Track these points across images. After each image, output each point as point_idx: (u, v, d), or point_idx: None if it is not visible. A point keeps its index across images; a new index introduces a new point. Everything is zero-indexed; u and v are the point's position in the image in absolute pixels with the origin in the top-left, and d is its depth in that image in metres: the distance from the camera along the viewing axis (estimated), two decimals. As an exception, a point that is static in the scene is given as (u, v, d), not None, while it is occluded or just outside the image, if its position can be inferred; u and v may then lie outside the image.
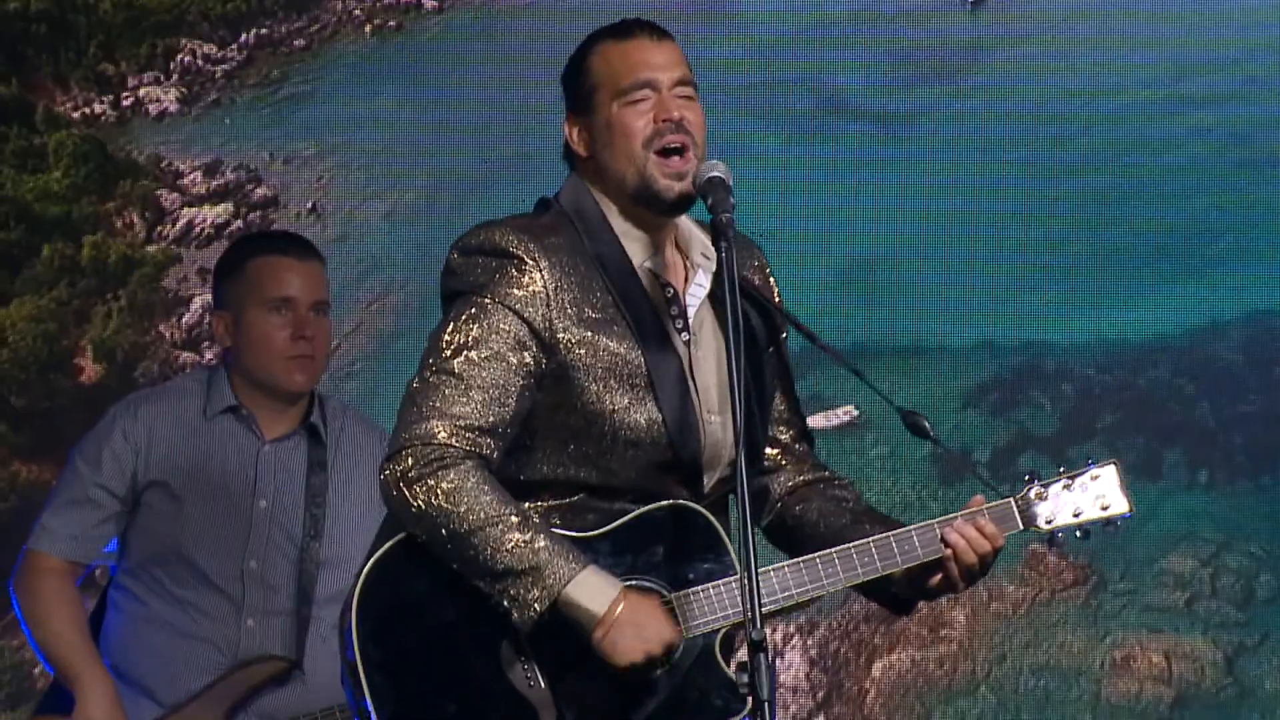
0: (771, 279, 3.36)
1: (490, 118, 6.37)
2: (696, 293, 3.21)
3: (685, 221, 3.25)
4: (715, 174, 3.10)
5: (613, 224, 3.20)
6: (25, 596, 4.21)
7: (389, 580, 3.17)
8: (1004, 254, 6.16)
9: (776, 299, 3.33)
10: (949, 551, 3.14)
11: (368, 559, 3.16)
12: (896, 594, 3.24)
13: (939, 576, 3.17)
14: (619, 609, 3.03)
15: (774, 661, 2.92)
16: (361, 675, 3.11)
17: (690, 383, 3.14)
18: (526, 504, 3.14)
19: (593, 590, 3.04)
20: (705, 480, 3.16)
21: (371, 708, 3.10)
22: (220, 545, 4.15)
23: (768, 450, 3.30)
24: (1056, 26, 6.14)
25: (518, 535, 3.04)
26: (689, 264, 3.20)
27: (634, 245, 3.19)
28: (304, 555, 4.15)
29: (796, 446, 3.33)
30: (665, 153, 3.13)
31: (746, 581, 2.87)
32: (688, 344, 3.17)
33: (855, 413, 6.13)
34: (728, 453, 3.17)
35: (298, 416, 4.24)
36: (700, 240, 3.24)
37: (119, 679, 4.16)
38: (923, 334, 6.22)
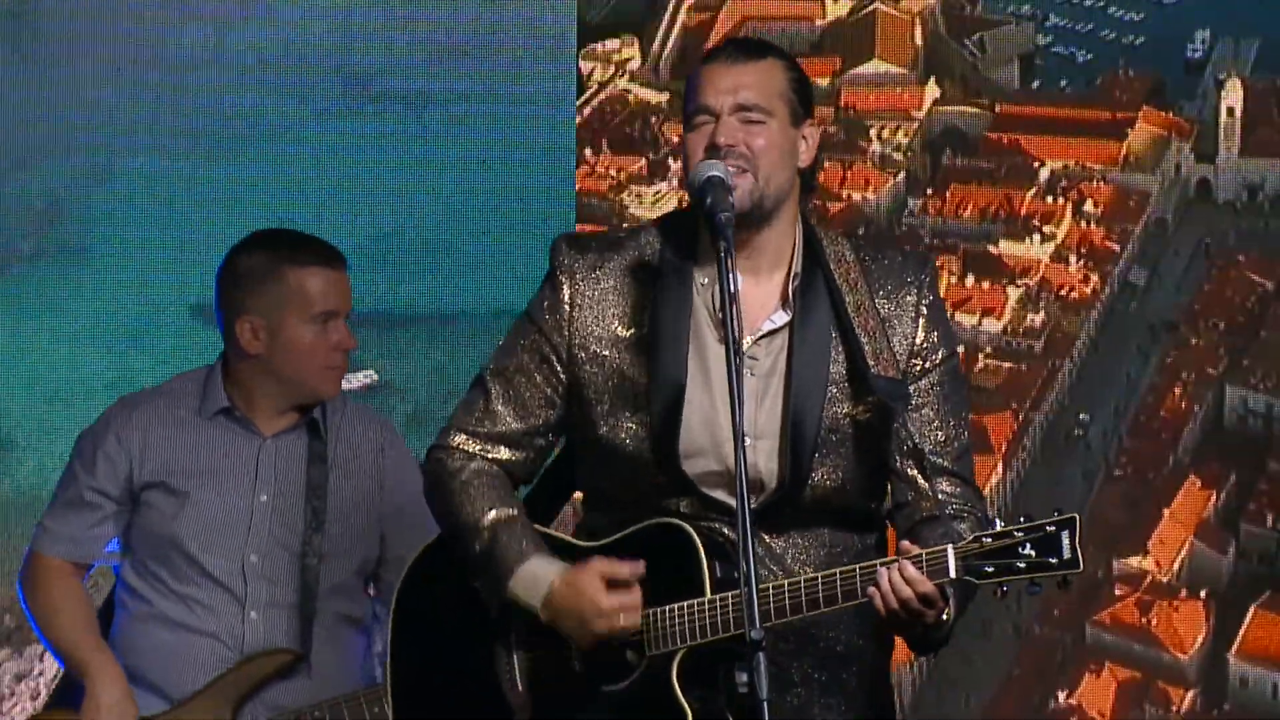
0: (925, 304, 3.26)
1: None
2: (775, 319, 3.20)
3: (795, 237, 3.23)
4: (714, 174, 3.12)
5: (699, 242, 3.23)
6: (31, 596, 4.22)
7: (430, 572, 3.35)
8: (530, 225, 6.76)
9: (918, 325, 3.24)
10: (874, 592, 3.07)
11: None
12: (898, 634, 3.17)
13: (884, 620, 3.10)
14: (555, 600, 3.12)
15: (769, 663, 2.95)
16: (387, 666, 3.34)
17: (737, 406, 3.03)
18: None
19: (529, 583, 3.15)
20: (748, 502, 3.03)
21: (389, 695, 3.33)
22: (221, 540, 4.16)
23: (898, 485, 3.27)
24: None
25: (485, 531, 3.19)
26: (732, 261, 3.12)
27: (710, 267, 3.18)
28: (306, 548, 4.15)
29: (925, 483, 3.25)
30: None
31: (745, 585, 2.91)
32: (739, 368, 3.09)
33: (375, 375, 6.58)
34: (769, 478, 3.18)
35: (297, 412, 4.25)
36: (795, 262, 3.24)
37: (128, 677, 4.16)
38: (445, 302, 6.70)
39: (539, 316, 3.26)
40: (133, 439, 4.18)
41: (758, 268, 3.21)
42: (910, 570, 3.03)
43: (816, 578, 3.08)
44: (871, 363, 3.17)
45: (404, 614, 3.35)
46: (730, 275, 3.02)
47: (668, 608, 3.12)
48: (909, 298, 3.27)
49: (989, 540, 3.06)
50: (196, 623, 4.18)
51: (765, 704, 2.87)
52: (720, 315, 3.10)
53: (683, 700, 3.08)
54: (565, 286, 3.24)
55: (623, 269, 3.23)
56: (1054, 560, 3.06)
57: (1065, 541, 3.05)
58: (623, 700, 3.15)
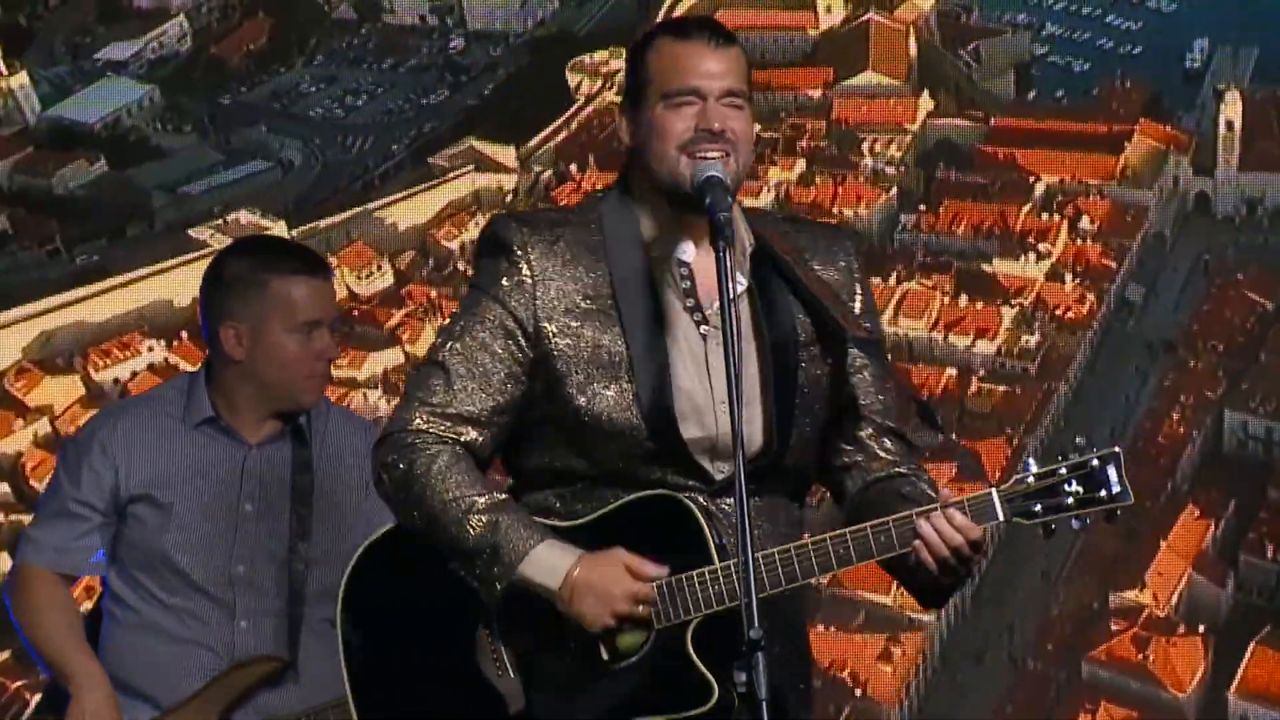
0: (857, 274, 3.32)
1: None
2: (732, 288, 3.14)
3: (738, 215, 3.26)
4: (713, 174, 3.12)
5: (642, 215, 3.25)
6: (19, 605, 4.22)
7: (375, 569, 3.26)
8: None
9: (858, 291, 3.29)
10: (920, 543, 3.07)
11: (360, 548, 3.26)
12: (916, 583, 3.18)
13: (924, 570, 3.10)
14: (575, 576, 3.07)
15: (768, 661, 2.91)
16: (342, 663, 3.23)
17: (706, 374, 3.15)
18: (534, 494, 3.24)
19: (547, 565, 3.08)
20: (718, 469, 3.15)
21: (350, 696, 3.22)
22: (207, 552, 4.15)
23: (843, 446, 3.29)
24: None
25: (480, 517, 3.11)
26: (731, 259, 3.13)
27: (661, 238, 3.22)
28: (292, 555, 4.15)
29: (872, 444, 3.27)
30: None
31: (743, 580, 2.90)
32: (705, 337, 3.16)
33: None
34: (750, 445, 3.15)
35: (280, 420, 4.23)
36: (744, 237, 3.26)
37: (118, 688, 4.15)
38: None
39: (498, 293, 3.21)
40: (118, 451, 4.15)
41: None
42: (960, 518, 3.05)
43: (844, 533, 3.08)
44: (844, 325, 3.21)
45: (356, 613, 3.29)
46: (731, 275, 3.04)
47: (676, 579, 3.08)
48: (842, 264, 3.31)
49: (1032, 480, 3.07)
50: (186, 632, 4.14)
51: (764, 704, 2.85)
52: (684, 286, 3.18)
53: (704, 669, 3.07)
54: (523, 263, 3.20)
55: (573, 244, 3.22)
56: (1103, 494, 3.08)
57: (1112, 474, 3.07)
58: (634, 675, 3.13)
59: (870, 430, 3.27)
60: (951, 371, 37.32)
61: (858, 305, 3.27)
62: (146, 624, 4.16)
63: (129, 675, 4.18)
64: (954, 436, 33.09)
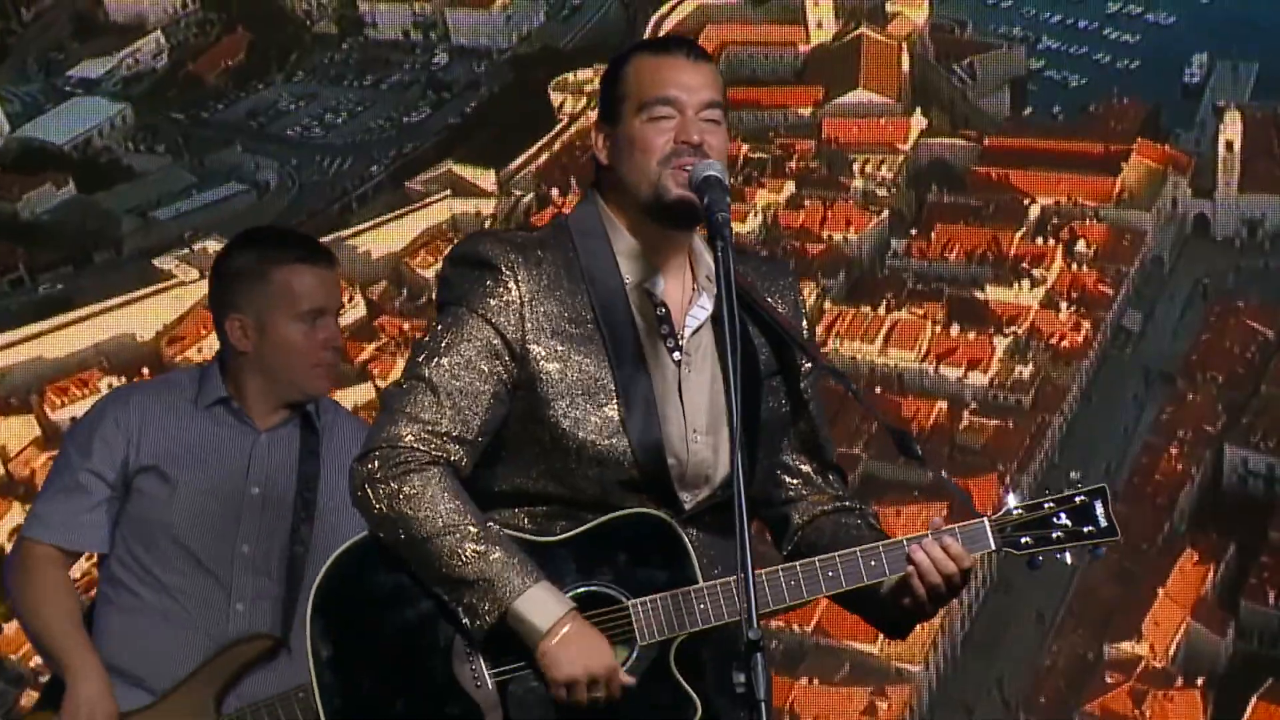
0: (801, 307, 3.37)
1: None
2: (698, 314, 3.24)
3: (699, 244, 3.29)
4: (711, 173, 3.13)
5: (614, 241, 3.27)
6: (18, 586, 4.24)
7: (348, 578, 3.27)
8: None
9: (804, 325, 3.35)
10: (912, 570, 3.11)
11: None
12: (882, 613, 3.21)
13: (909, 597, 3.14)
14: (565, 628, 3.10)
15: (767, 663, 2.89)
16: (311, 672, 3.22)
17: (679, 402, 3.20)
18: (500, 512, 3.25)
19: (541, 607, 3.11)
20: (685, 499, 3.20)
21: (319, 704, 3.22)
22: (212, 529, 4.16)
23: (787, 479, 3.34)
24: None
25: (473, 546, 3.13)
26: (696, 286, 3.22)
27: (633, 264, 3.23)
28: (294, 539, 4.16)
29: (818, 478, 3.33)
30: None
31: (744, 583, 2.91)
32: (679, 364, 3.21)
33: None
34: (717, 474, 3.23)
35: (290, 408, 4.24)
36: (708, 263, 3.24)
37: (112, 672, 4.13)
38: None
39: (485, 311, 3.18)
40: (130, 422, 4.17)
41: (681, 265, 3.25)
42: (955, 545, 3.11)
43: (833, 557, 3.14)
44: (813, 356, 3.29)
45: (327, 622, 3.23)
46: (727, 273, 3.01)
47: (660, 596, 3.13)
48: (790, 296, 3.34)
49: (1021, 511, 3.13)
50: (182, 615, 4.14)
51: (764, 704, 2.83)
52: (659, 313, 3.22)
53: (688, 687, 3.11)
54: (511, 282, 3.19)
55: (554, 265, 3.21)
56: (1090, 529, 3.13)
57: (1099, 510, 3.15)
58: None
59: (817, 464, 3.33)
60: (942, 405, 36.73)
61: (804, 335, 3.34)
62: (143, 607, 4.19)
63: (123, 660, 4.19)
64: (944, 473, 32.02)
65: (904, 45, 46.46)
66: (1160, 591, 31.85)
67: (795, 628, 29.51)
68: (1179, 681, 30.64)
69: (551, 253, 3.24)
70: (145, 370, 38.81)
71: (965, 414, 37.06)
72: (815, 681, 30.77)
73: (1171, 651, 31.32)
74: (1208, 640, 31.98)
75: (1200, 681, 30.63)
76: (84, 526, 4.20)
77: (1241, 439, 35.53)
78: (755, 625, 2.87)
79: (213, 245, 42.20)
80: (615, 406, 3.19)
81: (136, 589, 4.19)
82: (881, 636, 3.45)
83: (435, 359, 3.23)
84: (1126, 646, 31.41)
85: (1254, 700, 29.15)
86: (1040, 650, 32.75)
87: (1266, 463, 35.34)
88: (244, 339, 4.16)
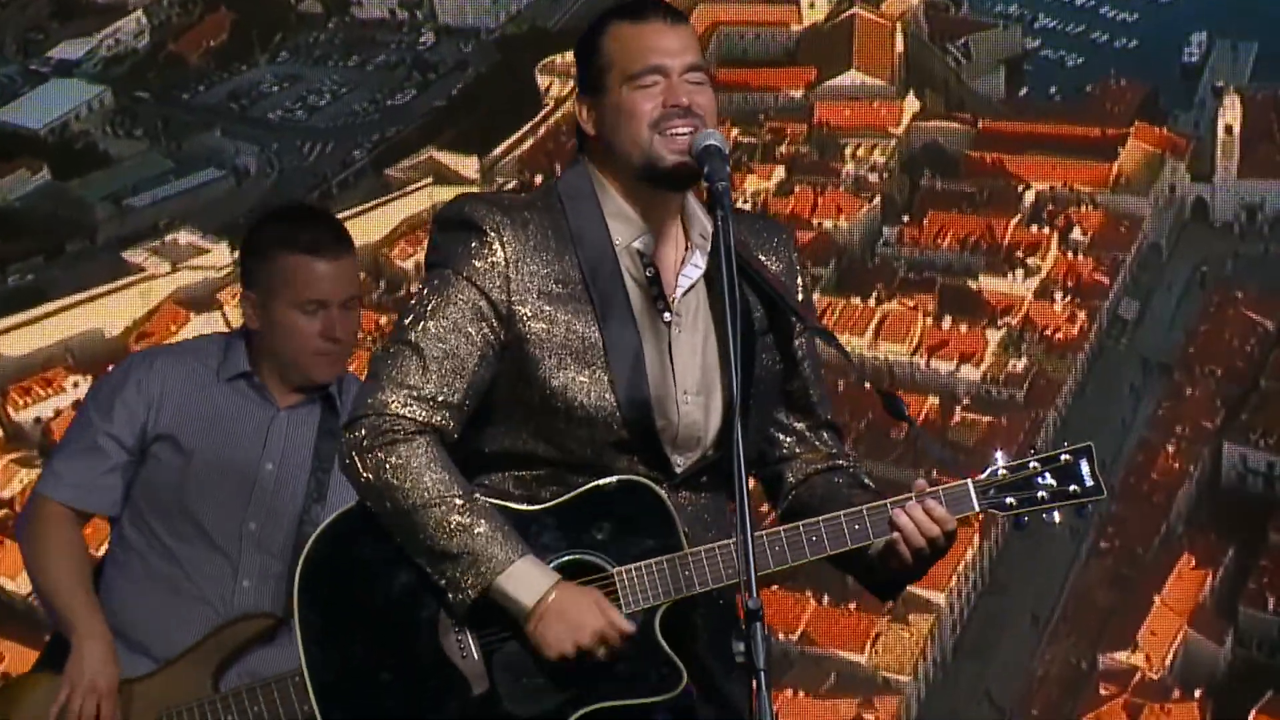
0: (796, 265, 3.48)
1: None
2: (690, 273, 3.33)
3: (693, 203, 3.37)
4: (711, 143, 3.27)
5: (604, 204, 3.37)
6: (30, 542, 4.28)
7: (336, 548, 3.36)
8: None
9: (799, 285, 3.43)
10: (896, 535, 3.28)
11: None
12: (872, 576, 3.33)
13: (895, 559, 3.28)
14: (550, 599, 3.18)
15: (767, 631, 2.91)
16: (299, 642, 3.32)
17: (669, 363, 3.29)
18: (489, 476, 3.34)
19: (525, 582, 3.18)
20: (676, 461, 3.31)
21: (307, 676, 3.30)
22: (222, 503, 4.25)
23: (782, 438, 3.50)
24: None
25: (458, 518, 3.21)
26: (689, 244, 3.33)
27: (623, 225, 3.34)
28: (305, 517, 4.20)
29: (811, 436, 3.50)
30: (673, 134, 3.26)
31: (744, 549, 2.93)
32: (669, 324, 3.32)
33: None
34: (709, 435, 3.32)
35: (303, 391, 4.37)
36: (701, 221, 3.36)
37: (116, 636, 4.23)
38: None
39: (470, 274, 3.29)
40: (152, 388, 4.24)
41: (674, 225, 3.34)
42: (938, 509, 3.23)
43: (817, 521, 3.23)
44: (803, 315, 3.35)
45: (314, 594, 3.30)
46: (726, 244, 3.08)
47: (645, 564, 3.21)
48: (784, 254, 3.45)
49: (1005, 472, 3.28)
50: (189, 585, 4.20)
51: (763, 673, 2.91)
52: (648, 274, 3.30)
53: (673, 655, 3.19)
54: (496, 244, 3.29)
55: (541, 227, 3.33)
56: (1075, 489, 3.30)
57: (1085, 469, 3.31)
58: (601, 660, 3.20)
59: (810, 423, 3.53)
60: (934, 400, 35.58)
61: (799, 297, 3.47)
62: (150, 573, 4.27)
63: (126, 624, 4.28)
64: (934, 474, 31.16)
65: (898, 24, 45.78)
66: (1157, 599, 30.91)
67: (780, 636, 29.06)
68: (1176, 693, 29.81)
69: (539, 215, 3.36)
70: (111, 369, 38.02)
71: (958, 410, 36.30)
72: (800, 693, 29.72)
73: (1168, 661, 30.64)
74: (1205, 649, 31.08)
75: (1198, 693, 29.84)
76: (98, 489, 4.31)
77: (1240, 436, 34.33)
78: (755, 594, 2.94)
79: (184, 236, 41.49)
80: (602, 366, 3.27)
81: (146, 555, 4.29)
82: (869, 645, 3.34)
83: (421, 323, 3.31)
84: (1121, 657, 30.48)
85: (1253, 714, 28.56)
86: (1033, 657, 31.79)
87: (1266, 460, 34.36)
88: (254, 316, 4.32)
